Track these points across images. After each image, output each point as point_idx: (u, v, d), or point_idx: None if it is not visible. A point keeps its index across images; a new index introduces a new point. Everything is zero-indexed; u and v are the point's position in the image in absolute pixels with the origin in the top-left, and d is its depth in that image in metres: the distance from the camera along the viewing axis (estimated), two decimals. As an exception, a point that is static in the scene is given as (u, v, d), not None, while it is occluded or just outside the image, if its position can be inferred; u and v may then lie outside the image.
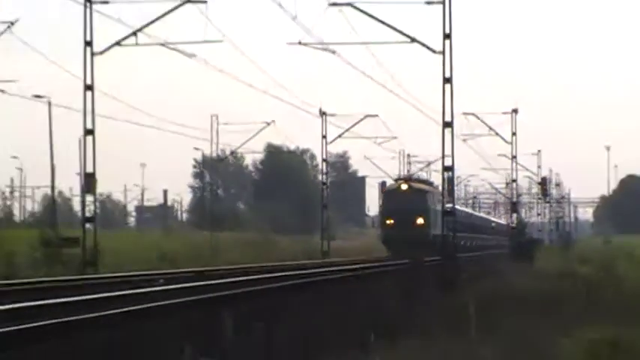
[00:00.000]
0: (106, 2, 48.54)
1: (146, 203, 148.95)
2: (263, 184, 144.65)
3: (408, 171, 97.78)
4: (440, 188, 64.53)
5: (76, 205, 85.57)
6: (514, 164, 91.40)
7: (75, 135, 56.04)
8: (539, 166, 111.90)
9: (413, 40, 50.39)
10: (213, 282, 33.92)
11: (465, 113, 79.13)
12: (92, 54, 49.78)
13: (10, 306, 23.01)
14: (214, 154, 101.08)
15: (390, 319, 26.42)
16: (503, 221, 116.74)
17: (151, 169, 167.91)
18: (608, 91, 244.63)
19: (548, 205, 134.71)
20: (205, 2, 48.42)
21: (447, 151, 50.92)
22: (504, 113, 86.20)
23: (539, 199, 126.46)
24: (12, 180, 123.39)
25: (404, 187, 70.85)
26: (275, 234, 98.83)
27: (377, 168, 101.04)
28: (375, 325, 20.19)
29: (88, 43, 49.68)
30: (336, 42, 52.21)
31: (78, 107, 50.67)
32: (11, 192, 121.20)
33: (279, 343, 21.54)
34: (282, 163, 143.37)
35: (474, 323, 21.25)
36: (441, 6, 49.35)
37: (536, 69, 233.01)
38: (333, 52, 52.48)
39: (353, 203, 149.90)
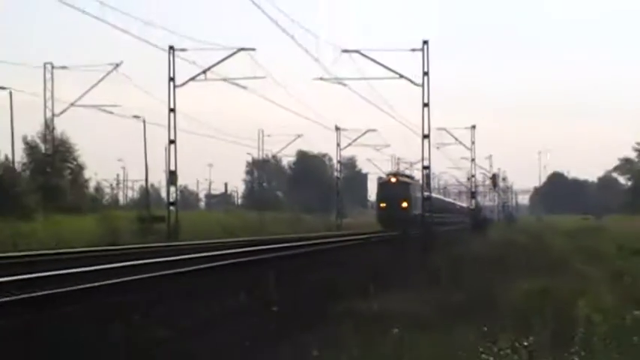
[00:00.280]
0: (184, 50, 48.70)
1: (212, 192, 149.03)
2: (295, 179, 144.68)
3: (398, 169, 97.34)
4: (420, 181, 64.42)
5: (163, 193, 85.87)
6: (473, 165, 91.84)
7: (162, 144, 56.11)
8: (490, 166, 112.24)
9: (401, 76, 50.38)
10: (260, 247, 34.06)
11: (438, 128, 78.89)
12: (174, 86, 49.95)
13: (126, 263, 23.17)
14: (260, 157, 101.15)
15: (385, 274, 26.42)
16: (465, 205, 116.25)
17: (216, 168, 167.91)
18: (542, 110, 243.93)
19: (497, 193, 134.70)
20: (254, 50, 48.66)
21: (426, 155, 51.04)
22: (466, 128, 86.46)
23: (491, 189, 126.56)
24: (117, 175, 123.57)
25: (393, 179, 70.76)
26: (303, 213, 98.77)
27: (376, 167, 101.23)
28: (373, 279, 20.18)
29: (172, 79, 49.84)
30: (347, 77, 52.19)
31: (164, 124, 50.86)
32: (117, 184, 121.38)
33: (305, 292, 21.60)
34: (309, 164, 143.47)
35: (444, 277, 21.22)
36: (420, 52, 49.41)
37: (488, 95, 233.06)
38: (345, 85, 52.53)
39: (359, 192, 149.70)
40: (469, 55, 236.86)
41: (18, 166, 63.00)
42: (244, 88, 51.12)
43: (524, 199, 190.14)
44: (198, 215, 77.56)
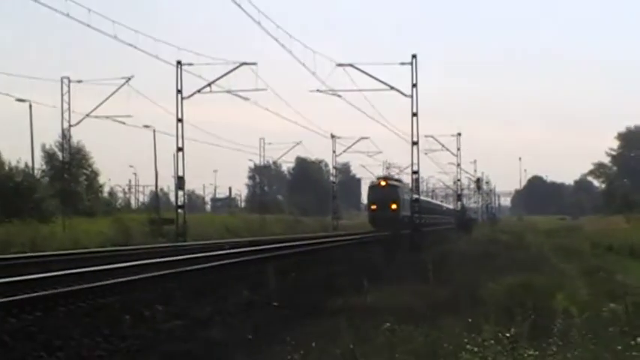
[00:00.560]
0: (191, 64, 48.63)
1: (217, 196, 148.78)
2: (294, 183, 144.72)
3: (388, 173, 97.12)
4: (409, 184, 64.23)
5: (172, 197, 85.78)
6: (459, 169, 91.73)
7: (171, 151, 56.00)
8: (475, 170, 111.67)
9: (392, 87, 50.25)
10: (261, 247, 34.02)
11: (426, 135, 78.73)
12: (182, 98, 49.86)
13: (135, 263, 23.10)
14: (262, 164, 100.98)
15: (377, 270, 26.39)
16: (451, 206, 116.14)
17: (221, 173, 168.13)
18: (522, 118, 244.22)
19: (481, 196, 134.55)
20: (256, 64, 48.60)
21: (415, 161, 50.96)
22: (452, 135, 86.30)
23: (475, 191, 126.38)
24: (129, 181, 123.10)
25: (382, 183, 69.84)
26: (301, 216, 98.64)
27: (368, 172, 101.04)
28: (367, 275, 20.14)
29: (179, 91, 49.76)
30: (342, 89, 52.06)
31: (172, 133, 50.78)
32: (129, 189, 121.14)
33: (304, 287, 21.55)
34: (307, 169, 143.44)
35: (432, 273, 21.16)
36: (409, 66, 49.40)
37: (473, 105, 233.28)
38: (340, 96, 52.39)
39: (353, 196, 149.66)
40: (455, 67, 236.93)
41: (37, 173, 62.98)
42: (247, 99, 51.09)
43: (506, 201, 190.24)
44: (204, 217, 77.43)
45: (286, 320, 15.92)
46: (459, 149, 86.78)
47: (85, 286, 16.99)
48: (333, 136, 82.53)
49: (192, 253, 28.43)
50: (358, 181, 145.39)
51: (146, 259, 24.56)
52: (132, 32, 39.30)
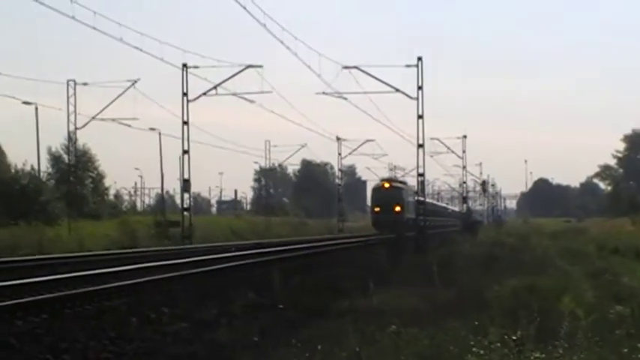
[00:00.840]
0: (197, 67, 48.70)
1: (223, 198, 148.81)
2: (299, 185, 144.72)
3: (394, 175, 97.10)
4: (414, 186, 64.01)
5: (178, 200, 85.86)
6: (464, 172, 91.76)
7: (176, 154, 56.09)
8: (480, 173, 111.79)
9: (397, 90, 50.30)
10: (266, 249, 34.01)
11: (432, 138, 78.93)
12: (187, 101, 49.94)
13: (141, 265, 23.11)
14: (267, 166, 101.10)
15: (383, 272, 26.36)
16: (457, 209, 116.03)
17: (226, 176, 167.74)
18: (528, 121, 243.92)
19: (486, 198, 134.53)
20: (261, 66, 48.65)
21: (420, 163, 51.00)
22: (458, 138, 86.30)
23: (481, 194, 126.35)
24: (135, 183, 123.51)
25: (386, 185, 68.83)
26: (307, 218, 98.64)
27: (374, 174, 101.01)
28: (373, 277, 20.12)
29: (185, 94, 49.85)
30: (347, 92, 52.13)
31: (178, 136, 50.84)
32: (135, 191, 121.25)
33: (310, 289, 21.53)
34: (312, 172, 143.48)
35: (437, 276, 21.13)
36: (415, 68, 49.42)
37: (478, 108, 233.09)
38: (345, 98, 52.44)
39: (358, 198, 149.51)
40: (460, 70, 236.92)
41: (43, 176, 63.11)
42: (252, 102, 51.09)
43: (511, 204, 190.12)
44: (210, 220, 77.46)
45: (292, 322, 15.91)
46: (464, 152, 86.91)
47: (92, 288, 17.02)
48: (338, 139, 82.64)
49: (198, 256, 28.44)
50: (364, 183, 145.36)
51: (152, 262, 24.57)
52: (138, 35, 39.38)
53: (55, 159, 72.20)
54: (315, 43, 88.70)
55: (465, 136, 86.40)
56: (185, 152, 50.31)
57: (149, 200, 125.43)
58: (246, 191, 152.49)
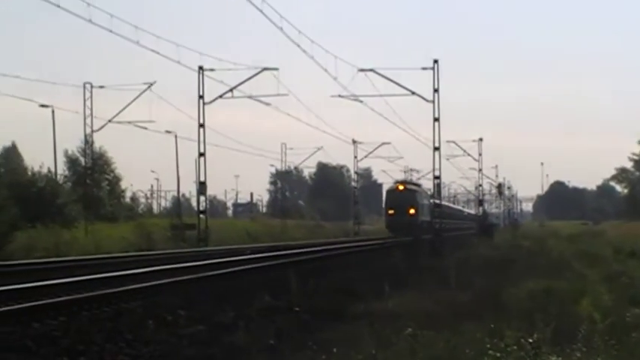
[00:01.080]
0: (213, 70, 48.76)
1: (239, 201, 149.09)
2: (315, 188, 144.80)
3: (410, 177, 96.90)
4: (430, 189, 63.89)
5: (194, 203, 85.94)
6: (480, 174, 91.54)
7: (192, 157, 56.18)
8: (496, 175, 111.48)
9: (413, 93, 50.31)
10: (282, 252, 34.00)
11: (448, 141, 78.64)
12: (204, 104, 50.01)
13: (158, 268, 23.16)
14: (283, 169, 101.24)
15: (399, 275, 26.34)
16: (473, 212, 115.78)
17: (242, 179, 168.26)
18: (544, 123, 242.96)
19: (502, 201, 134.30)
20: (277, 69, 48.69)
21: (437, 166, 50.99)
22: (474, 141, 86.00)
23: (497, 197, 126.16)
24: (152, 186, 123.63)
25: (400, 187, 68.56)
26: (323, 221, 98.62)
27: (390, 177, 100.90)
28: (388, 280, 20.10)
29: (201, 97, 49.92)
30: (363, 94, 52.09)
31: (194, 138, 50.94)
32: (151, 194, 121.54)
33: (326, 292, 21.53)
34: (328, 175, 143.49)
35: (453, 278, 21.11)
36: (431, 71, 49.42)
37: (494, 110, 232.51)
38: (361, 101, 52.44)
39: (374, 201, 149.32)
40: (476, 73, 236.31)
41: (60, 179, 63.32)
42: (268, 104, 51.14)
43: (527, 206, 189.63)
44: (226, 223, 77.62)
45: (308, 325, 15.92)
46: (480, 154, 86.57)
47: (108, 291, 17.06)
48: (354, 142, 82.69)
49: (214, 258, 28.46)
50: (380, 186, 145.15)
51: (168, 264, 24.61)
52: (154, 38, 39.38)
53: (72, 162, 72.51)
54: (331, 46, 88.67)
55: (481, 139, 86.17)
56: (201, 155, 50.40)
57: (165, 203, 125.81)
58: (262, 194, 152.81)
